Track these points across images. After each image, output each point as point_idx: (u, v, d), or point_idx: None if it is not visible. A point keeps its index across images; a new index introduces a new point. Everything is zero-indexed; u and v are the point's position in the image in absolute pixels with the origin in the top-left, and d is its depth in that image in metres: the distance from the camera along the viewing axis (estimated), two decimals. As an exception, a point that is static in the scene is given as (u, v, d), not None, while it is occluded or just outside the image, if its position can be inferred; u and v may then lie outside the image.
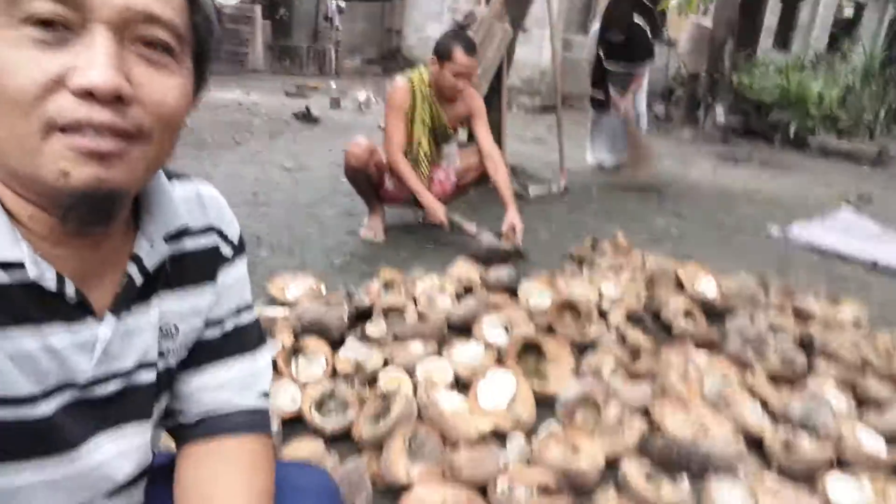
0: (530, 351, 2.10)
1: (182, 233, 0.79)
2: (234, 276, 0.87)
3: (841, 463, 1.70)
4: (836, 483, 1.59)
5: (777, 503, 1.46)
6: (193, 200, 0.81)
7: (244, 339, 0.89)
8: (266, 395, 0.91)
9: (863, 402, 2.00)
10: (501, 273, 2.64)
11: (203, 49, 0.68)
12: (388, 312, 2.27)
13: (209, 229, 0.83)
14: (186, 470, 0.83)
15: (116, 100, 0.57)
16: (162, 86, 0.61)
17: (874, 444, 1.74)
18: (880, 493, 1.54)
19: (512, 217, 3.18)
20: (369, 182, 3.23)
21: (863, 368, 2.17)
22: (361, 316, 2.28)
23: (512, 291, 2.59)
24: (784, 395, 1.97)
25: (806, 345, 2.33)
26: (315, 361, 1.91)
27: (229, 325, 0.87)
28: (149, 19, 0.59)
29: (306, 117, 6.90)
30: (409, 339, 2.09)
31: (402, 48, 14.29)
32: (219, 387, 0.86)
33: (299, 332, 2.02)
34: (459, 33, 3.21)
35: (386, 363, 1.96)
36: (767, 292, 2.81)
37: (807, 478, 1.64)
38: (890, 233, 4.10)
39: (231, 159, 4.83)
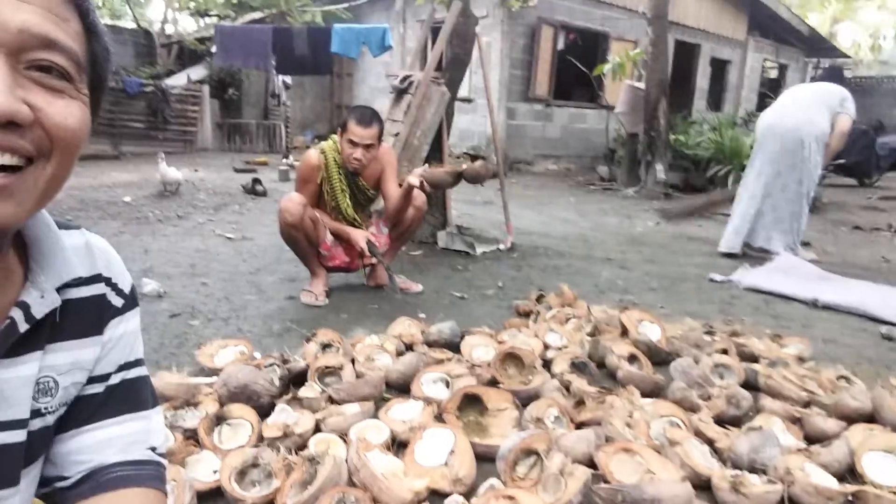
0: (472, 405, 2.01)
1: (69, 282, 0.74)
2: (125, 329, 0.82)
3: (792, 501, 1.64)
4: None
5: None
6: (81, 249, 0.78)
7: (131, 396, 0.82)
8: (156, 451, 0.84)
9: (810, 437, 1.97)
10: (443, 328, 2.57)
11: (100, 78, 0.68)
12: (324, 374, 2.17)
13: (96, 278, 0.79)
14: None
15: (10, 125, 0.55)
16: (63, 108, 0.60)
17: (823, 480, 1.70)
18: (833, 529, 1.48)
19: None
20: (307, 239, 3.17)
21: (808, 404, 2.16)
22: (297, 380, 2.17)
23: (454, 347, 2.53)
24: (731, 435, 1.92)
25: (751, 384, 2.32)
26: (240, 429, 1.78)
27: (115, 380, 0.81)
28: (46, 45, 0.58)
29: (253, 190, 6.85)
30: (344, 401, 1.99)
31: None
32: (101, 446, 0.78)
33: (225, 399, 1.90)
34: (361, 107, 3.23)
35: (319, 427, 1.85)
36: (712, 335, 2.81)
37: (758, 518, 1.58)
38: (827, 273, 4.20)
39: (171, 233, 4.71)
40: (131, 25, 14.79)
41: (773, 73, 17.26)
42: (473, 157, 3.00)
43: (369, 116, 3.13)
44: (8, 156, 0.56)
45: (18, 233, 0.68)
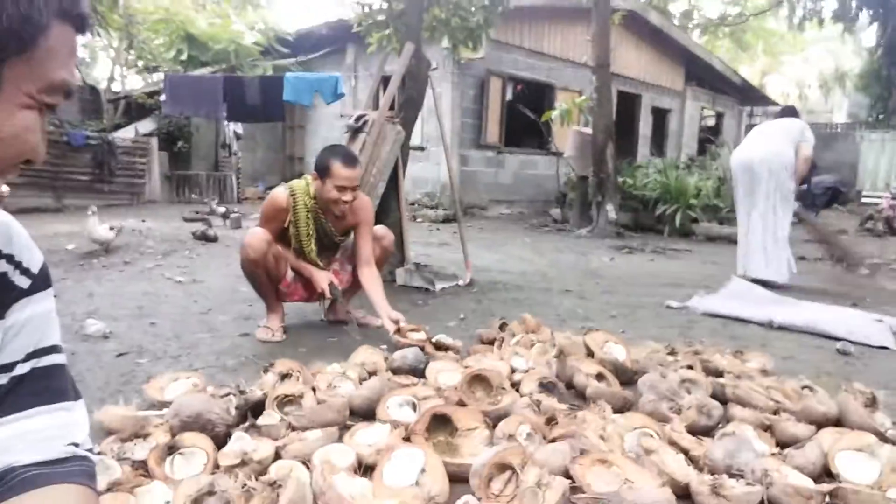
0: (441, 426, 1.93)
1: None
2: (33, 312, 0.73)
3: (771, 502, 1.61)
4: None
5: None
6: None
7: (43, 386, 0.72)
8: (79, 446, 0.73)
9: (781, 442, 1.95)
10: (407, 354, 2.50)
11: None
12: (283, 403, 2.06)
13: None
14: None
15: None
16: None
17: (800, 480, 1.67)
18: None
19: (387, 313, 3.02)
20: (268, 276, 3.06)
21: (776, 412, 2.15)
22: (255, 411, 2.05)
23: (419, 373, 2.45)
24: (705, 443, 1.89)
25: (718, 397, 2.30)
26: (194, 459, 1.66)
27: (23, 370, 0.71)
28: (68, 95, 0.70)
29: (204, 236, 6.68)
30: (306, 428, 1.89)
31: (304, 174, 14.48)
32: (8, 445, 0.68)
33: (178, 429, 1.77)
34: (337, 147, 3.14)
35: (279, 455, 1.74)
36: (675, 356, 2.81)
37: (740, 522, 1.54)
38: (780, 297, 4.30)
39: (117, 277, 4.52)
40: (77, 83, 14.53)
41: (711, 121, 18.14)
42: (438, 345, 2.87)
43: (352, 156, 3.04)
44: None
45: None
